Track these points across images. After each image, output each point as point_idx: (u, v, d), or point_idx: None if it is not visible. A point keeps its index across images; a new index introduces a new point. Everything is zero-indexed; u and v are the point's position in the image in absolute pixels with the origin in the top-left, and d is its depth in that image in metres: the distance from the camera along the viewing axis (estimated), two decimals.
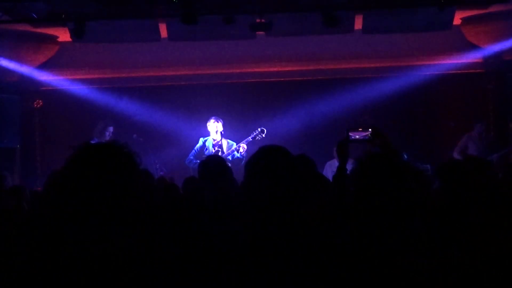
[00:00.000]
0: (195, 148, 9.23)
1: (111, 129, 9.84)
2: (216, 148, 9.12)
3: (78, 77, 11.40)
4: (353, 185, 2.66)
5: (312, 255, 2.28)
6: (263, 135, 9.12)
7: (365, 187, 2.58)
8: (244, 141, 9.07)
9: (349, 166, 3.61)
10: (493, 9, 9.76)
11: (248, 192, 2.48)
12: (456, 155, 9.93)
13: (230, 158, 8.95)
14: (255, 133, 9.12)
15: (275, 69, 11.43)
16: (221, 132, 9.17)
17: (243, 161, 8.88)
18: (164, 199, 4.66)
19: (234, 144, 9.14)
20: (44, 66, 11.13)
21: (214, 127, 9.17)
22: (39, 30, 10.33)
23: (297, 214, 2.42)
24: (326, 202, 3.60)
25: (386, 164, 2.61)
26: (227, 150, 9.07)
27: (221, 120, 9.22)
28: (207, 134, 9.28)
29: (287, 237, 2.32)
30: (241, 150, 9.00)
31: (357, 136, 3.65)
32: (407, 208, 2.54)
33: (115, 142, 2.04)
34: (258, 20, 8.92)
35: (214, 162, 4.84)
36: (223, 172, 4.72)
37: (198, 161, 8.98)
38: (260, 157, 2.52)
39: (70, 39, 9.51)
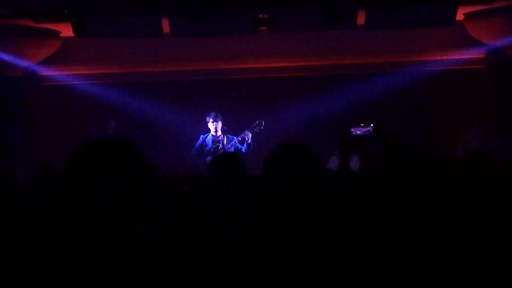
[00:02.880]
0: (196, 145, 9.27)
1: (113, 123, 9.86)
2: (215, 144, 9.14)
3: (80, 72, 11.41)
4: (366, 182, 2.67)
5: (325, 250, 2.29)
6: (262, 127, 9.15)
7: (376, 184, 2.59)
8: (242, 134, 9.08)
9: (351, 162, 3.61)
10: (496, 4, 9.74)
11: (267, 187, 2.47)
12: (460, 153, 9.93)
13: (233, 149, 8.98)
14: (253, 125, 9.16)
15: (278, 64, 11.41)
16: (221, 129, 9.18)
17: (248, 150, 8.92)
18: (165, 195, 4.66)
19: (235, 138, 9.15)
20: (46, 62, 11.13)
21: (213, 125, 9.19)
22: (41, 25, 10.33)
23: (312, 210, 2.42)
24: (332, 198, 3.61)
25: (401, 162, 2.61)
26: (227, 144, 9.09)
27: (220, 118, 9.21)
28: (209, 130, 9.29)
29: (300, 230, 2.33)
30: (246, 139, 9.00)
31: (358, 132, 3.66)
32: (414, 206, 2.55)
33: (120, 138, 2.03)
34: (261, 16, 8.92)
35: (227, 158, 4.79)
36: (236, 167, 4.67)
37: (203, 158, 9.05)
38: (281, 153, 2.51)
39: (72, 35, 9.51)
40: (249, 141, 9.01)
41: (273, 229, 2.37)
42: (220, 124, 9.15)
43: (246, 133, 9.06)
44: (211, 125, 9.19)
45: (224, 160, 4.67)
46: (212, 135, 9.21)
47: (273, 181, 2.45)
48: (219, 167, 4.59)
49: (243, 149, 9.00)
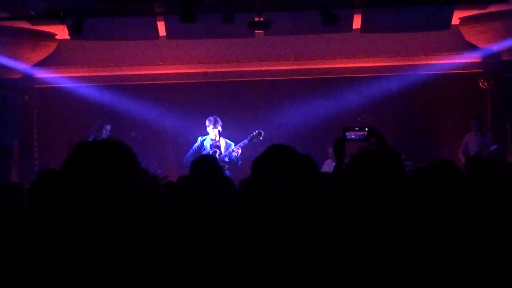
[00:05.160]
0: (193, 147, 9.22)
1: (108, 127, 9.86)
2: (213, 148, 9.12)
3: (76, 74, 11.39)
4: (348, 182, 2.69)
5: (313, 252, 2.29)
6: (261, 138, 9.08)
7: (358, 185, 2.60)
8: (241, 143, 9.03)
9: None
10: (491, 9, 9.77)
11: (255, 190, 2.48)
12: (460, 157, 9.98)
13: (227, 159, 8.95)
14: (252, 136, 9.09)
15: (274, 67, 11.42)
16: (219, 131, 9.14)
17: (239, 163, 8.90)
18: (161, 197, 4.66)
19: (233, 144, 9.12)
20: (42, 64, 11.12)
21: (212, 127, 9.15)
22: (37, 27, 10.33)
23: (303, 212, 2.43)
24: (326, 201, 3.62)
25: (380, 162, 2.63)
26: (225, 151, 9.05)
27: (219, 120, 9.18)
28: (205, 133, 9.27)
29: (291, 232, 2.34)
30: (234, 154, 8.96)
31: (353, 136, 3.66)
32: (400, 206, 2.56)
33: (113, 140, 2.05)
34: (256, 19, 8.92)
35: (205, 162, 4.86)
36: (213, 171, 4.73)
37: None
38: (269, 155, 2.52)
39: (68, 37, 9.51)
40: (238, 156, 8.95)
41: (263, 231, 2.38)
42: (219, 125, 9.11)
43: (237, 148, 9.00)
44: (210, 129, 9.14)
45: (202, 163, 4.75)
46: (210, 138, 9.18)
47: (261, 183, 2.46)
48: (199, 168, 4.67)
49: (234, 158, 8.96)
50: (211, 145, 9.15)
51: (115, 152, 1.97)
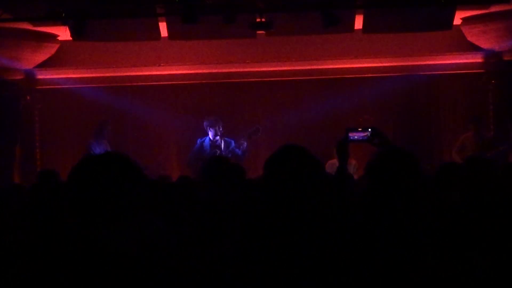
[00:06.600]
0: (193, 150, 9.25)
1: (109, 127, 9.87)
2: (213, 149, 9.13)
3: (78, 75, 11.40)
4: (368, 183, 2.68)
5: (315, 253, 2.29)
6: (259, 134, 9.14)
7: (379, 186, 2.60)
8: (240, 140, 9.07)
9: (348, 166, 3.62)
10: (493, 9, 9.76)
11: (268, 189, 2.48)
12: (454, 156, 9.93)
13: (230, 156, 8.98)
14: (249, 132, 9.14)
15: (275, 68, 11.41)
16: (220, 132, 9.15)
17: (244, 155, 8.93)
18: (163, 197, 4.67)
19: (233, 142, 9.14)
20: (44, 65, 11.12)
21: (210, 128, 9.17)
22: (39, 28, 10.33)
23: (311, 212, 2.43)
24: (329, 201, 3.61)
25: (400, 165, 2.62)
26: (225, 149, 9.07)
27: (220, 121, 9.20)
28: (206, 134, 9.28)
29: (300, 232, 2.34)
30: (241, 147, 9.01)
31: (356, 137, 3.65)
32: (403, 206, 2.56)
33: (117, 153, 2.14)
34: (258, 19, 8.92)
35: (217, 163, 4.79)
36: (224, 172, 4.65)
37: (201, 163, 9.07)
38: (281, 155, 2.52)
39: (70, 38, 9.51)
40: (245, 148, 8.99)
41: (274, 231, 2.37)
42: (219, 129, 9.12)
43: (242, 142, 9.03)
44: (210, 130, 9.17)
45: (221, 165, 4.65)
46: (209, 139, 9.19)
47: (274, 184, 2.45)
48: (214, 171, 4.58)
49: (239, 152, 8.99)
50: (210, 145, 9.17)
51: (117, 162, 2.02)
